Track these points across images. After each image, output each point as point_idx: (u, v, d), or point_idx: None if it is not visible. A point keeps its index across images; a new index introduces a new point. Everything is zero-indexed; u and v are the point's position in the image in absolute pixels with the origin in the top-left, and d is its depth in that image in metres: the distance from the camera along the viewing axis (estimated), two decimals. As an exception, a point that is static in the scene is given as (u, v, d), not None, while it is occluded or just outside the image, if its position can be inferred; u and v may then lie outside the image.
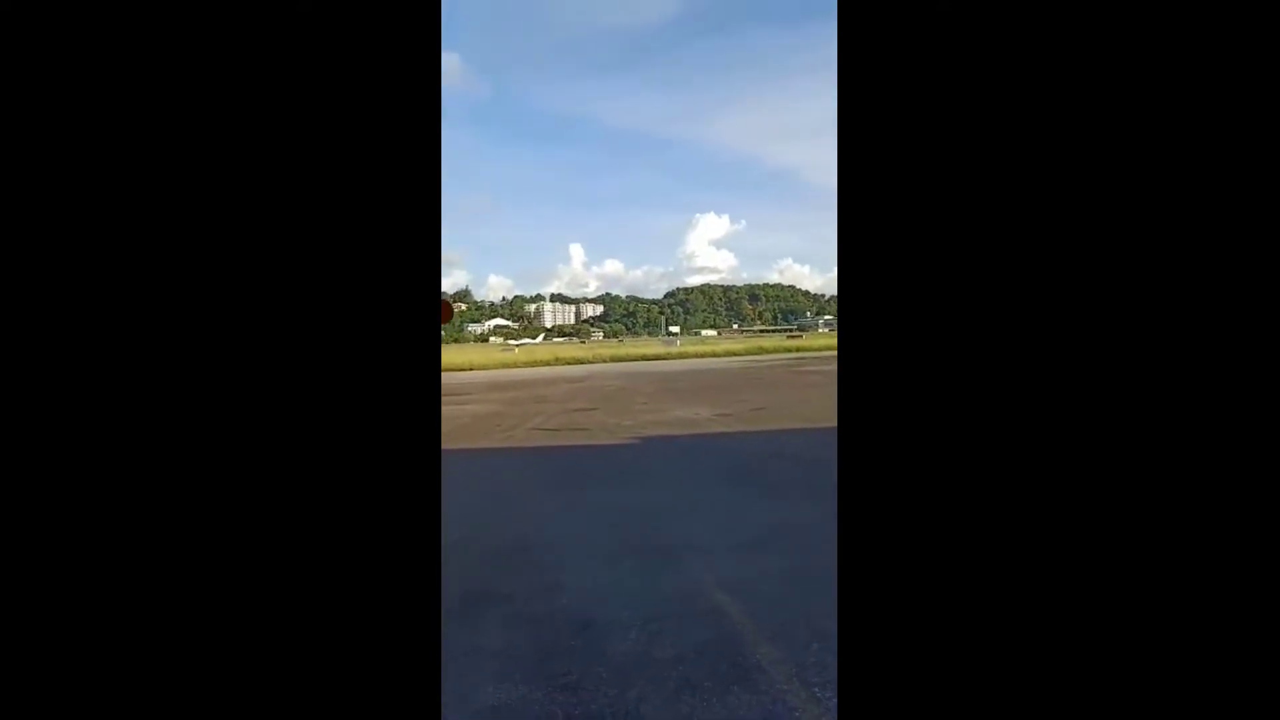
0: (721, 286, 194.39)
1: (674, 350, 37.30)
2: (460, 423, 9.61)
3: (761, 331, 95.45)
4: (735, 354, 33.34)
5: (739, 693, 2.04)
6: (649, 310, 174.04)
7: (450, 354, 42.47)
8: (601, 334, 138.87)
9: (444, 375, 23.48)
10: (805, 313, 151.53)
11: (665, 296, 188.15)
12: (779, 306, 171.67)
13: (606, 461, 6.24)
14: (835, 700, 1.90)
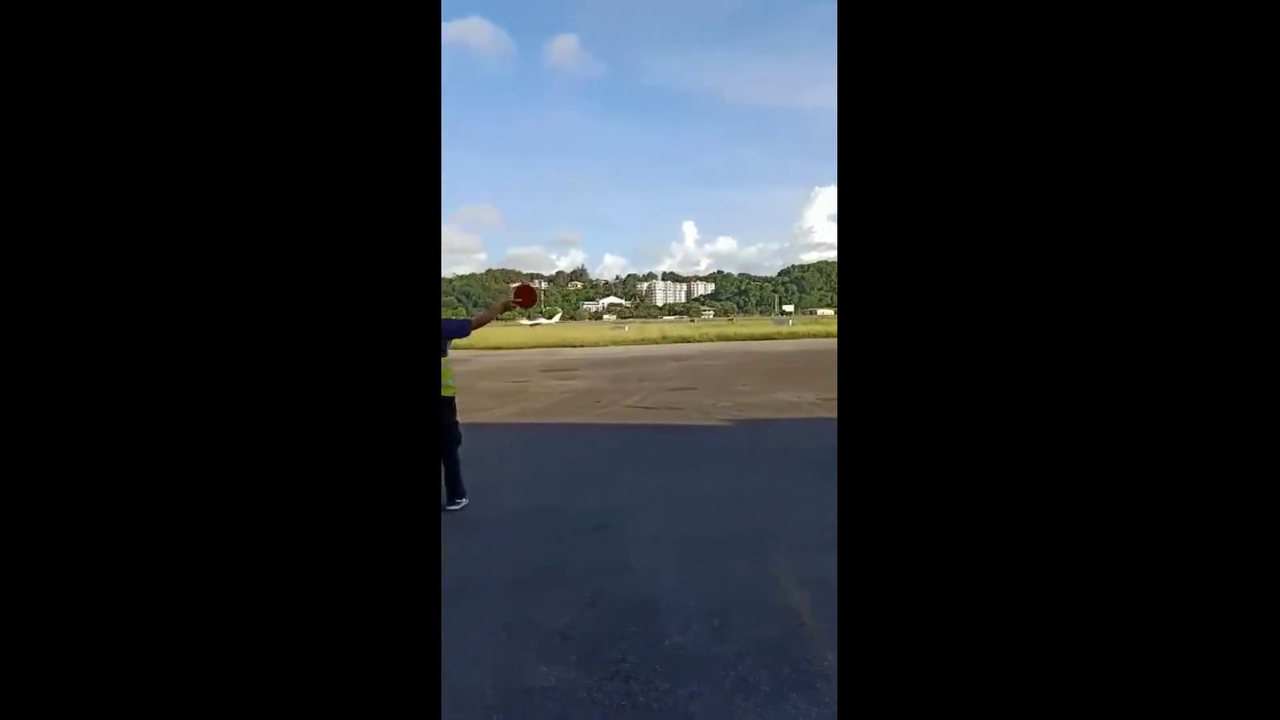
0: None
1: (785, 329, 36.03)
2: (562, 398, 9.96)
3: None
4: (851, 334, 31.47)
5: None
6: (761, 288, 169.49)
7: (563, 331, 44.25)
8: (712, 313, 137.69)
9: (554, 351, 24.43)
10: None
11: (779, 274, 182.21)
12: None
13: (692, 443, 6.15)
14: None
